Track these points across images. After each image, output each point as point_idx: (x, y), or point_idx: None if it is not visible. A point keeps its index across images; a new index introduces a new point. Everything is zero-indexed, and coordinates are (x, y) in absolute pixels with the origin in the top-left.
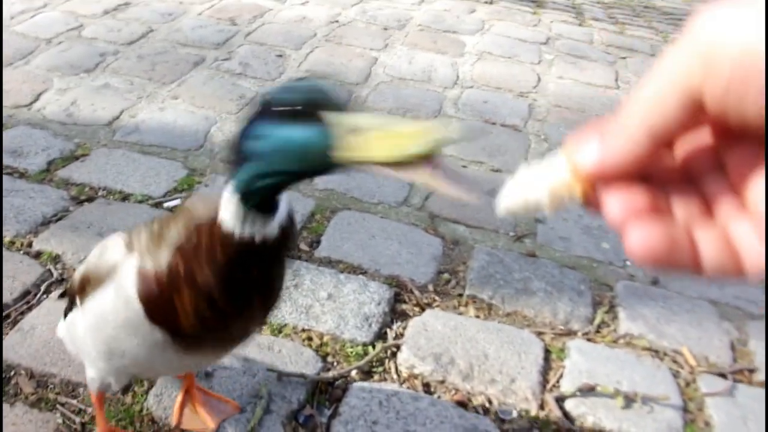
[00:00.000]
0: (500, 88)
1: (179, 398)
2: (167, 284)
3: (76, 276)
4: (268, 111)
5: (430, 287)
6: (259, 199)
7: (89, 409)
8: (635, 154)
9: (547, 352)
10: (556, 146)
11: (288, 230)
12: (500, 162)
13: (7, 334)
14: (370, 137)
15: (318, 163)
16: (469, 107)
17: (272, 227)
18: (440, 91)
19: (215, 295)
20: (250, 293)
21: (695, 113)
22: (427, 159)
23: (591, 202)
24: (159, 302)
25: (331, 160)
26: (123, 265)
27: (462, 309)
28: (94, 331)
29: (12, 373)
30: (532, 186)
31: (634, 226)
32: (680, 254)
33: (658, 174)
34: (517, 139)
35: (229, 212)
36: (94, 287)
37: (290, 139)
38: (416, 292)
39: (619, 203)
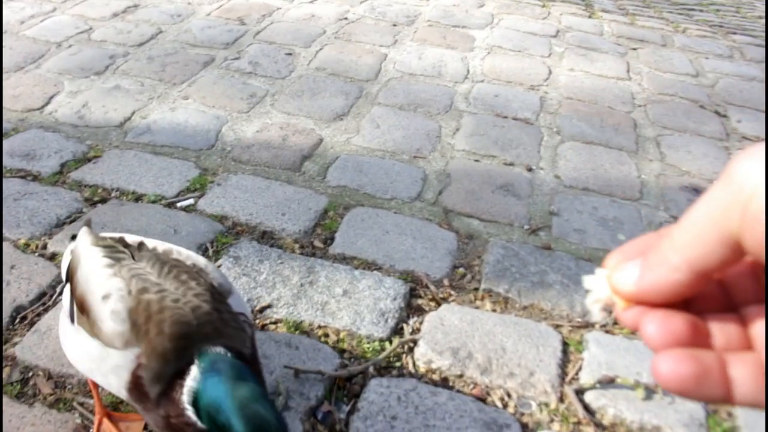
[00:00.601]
0: (511, 82)
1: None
2: (154, 415)
3: (77, 291)
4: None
5: (446, 282)
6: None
7: (107, 409)
8: (676, 285)
9: (565, 344)
10: (569, 139)
11: None
12: (513, 155)
13: (24, 335)
14: None
15: None
16: (480, 101)
17: None
18: (451, 86)
19: None
20: None
21: (736, 253)
22: None
23: (629, 321)
24: (144, 411)
25: None
26: (123, 351)
27: (478, 303)
28: (82, 360)
29: (30, 374)
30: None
31: (664, 355)
32: (709, 385)
33: (699, 299)
34: (529, 133)
35: (191, 414)
36: (91, 327)
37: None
38: (432, 287)
39: (656, 328)
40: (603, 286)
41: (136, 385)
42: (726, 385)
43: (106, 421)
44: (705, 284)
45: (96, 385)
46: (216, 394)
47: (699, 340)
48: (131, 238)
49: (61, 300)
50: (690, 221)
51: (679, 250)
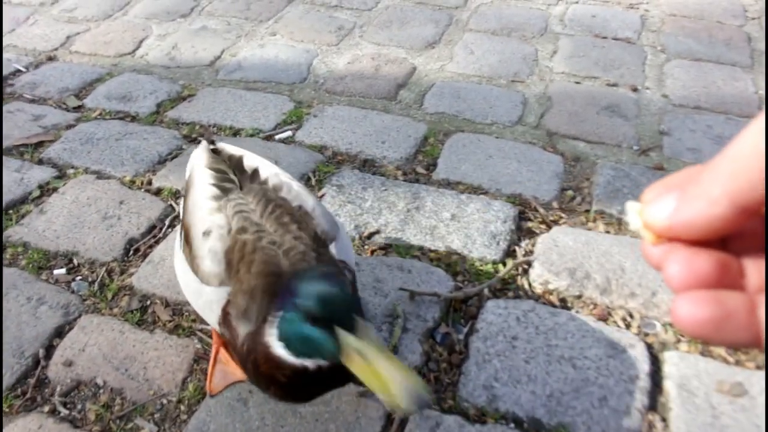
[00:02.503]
0: (608, 2)
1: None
2: (243, 357)
3: (184, 218)
4: (299, 308)
5: (555, 204)
6: (298, 352)
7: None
8: (714, 220)
9: None
10: (675, 57)
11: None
12: (616, 76)
13: (139, 266)
14: (366, 362)
15: (329, 358)
16: (576, 23)
17: (324, 362)
18: (544, 8)
19: (277, 395)
20: (311, 393)
21: None
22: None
23: (655, 259)
24: (234, 353)
25: (338, 361)
26: (217, 289)
27: (590, 225)
28: (184, 287)
29: (148, 302)
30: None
31: (683, 297)
32: (732, 330)
33: (739, 237)
34: (631, 53)
35: (282, 351)
36: (191, 257)
37: (309, 337)
38: (541, 210)
39: (680, 267)
40: (636, 220)
41: (225, 321)
42: (752, 329)
43: (222, 351)
44: (746, 220)
45: None
46: (293, 310)
47: (729, 281)
48: (249, 162)
49: (170, 231)
50: (734, 151)
51: (720, 182)
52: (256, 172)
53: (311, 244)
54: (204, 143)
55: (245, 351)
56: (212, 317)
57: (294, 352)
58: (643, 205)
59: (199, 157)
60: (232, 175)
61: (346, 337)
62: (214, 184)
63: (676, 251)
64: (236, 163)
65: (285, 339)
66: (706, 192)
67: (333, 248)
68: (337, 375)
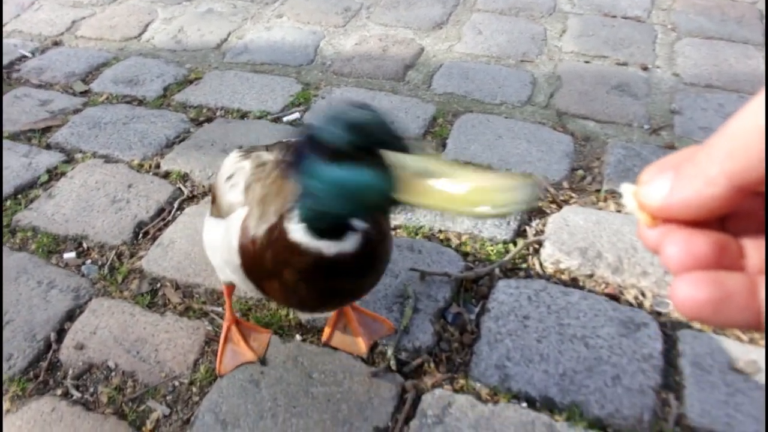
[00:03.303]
0: None
1: (332, 315)
2: (259, 259)
3: (214, 182)
4: (321, 147)
5: (565, 184)
6: (325, 229)
7: (237, 315)
8: (711, 200)
9: None
10: (686, 35)
11: (371, 238)
12: (626, 55)
13: (148, 249)
14: (436, 185)
15: (377, 204)
16: (585, 2)
17: (349, 242)
18: None
19: (301, 293)
20: (335, 290)
21: None
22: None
23: (651, 242)
24: (252, 267)
25: (390, 202)
26: (236, 212)
27: (601, 204)
28: (209, 248)
29: (158, 285)
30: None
31: (681, 279)
32: (731, 311)
33: (738, 217)
34: (641, 31)
35: (300, 234)
36: (217, 210)
37: (347, 182)
38: (551, 189)
39: (678, 249)
40: (631, 201)
41: (244, 234)
42: (753, 310)
43: (234, 328)
44: (744, 200)
45: (230, 292)
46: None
47: (728, 261)
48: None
49: (179, 214)
50: (732, 129)
51: (717, 161)
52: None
53: None
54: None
55: (258, 248)
56: (232, 251)
57: (317, 230)
58: (638, 186)
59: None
60: (259, 149)
61: (402, 159)
62: (240, 154)
63: (673, 233)
64: (263, 147)
65: (306, 215)
66: (702, 171)
67: None
68: (355, 269)
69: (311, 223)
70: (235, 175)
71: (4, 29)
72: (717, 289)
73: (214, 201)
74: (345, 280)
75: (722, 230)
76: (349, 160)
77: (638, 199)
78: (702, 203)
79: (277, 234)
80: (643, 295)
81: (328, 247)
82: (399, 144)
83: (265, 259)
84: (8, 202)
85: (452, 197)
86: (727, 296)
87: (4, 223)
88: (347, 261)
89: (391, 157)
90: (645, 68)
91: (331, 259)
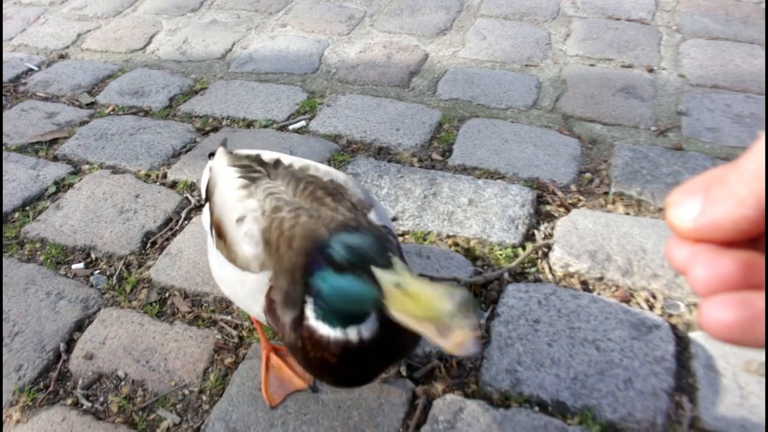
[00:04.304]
0: None
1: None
2: (297, 349)
3: (213, 215)
4: (330, 261)
5: (573, 187)
6: (339, 322)
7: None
8: (742, 222)
9: None
10: (691, 36)
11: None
12: (631, 57)
13: (156, 259)
14: (408, 295)
15: (371, 307)
16: (588, 5)
17: (367, 328)
18: None
19: (332, 380)
20: (363, 372)
21: None
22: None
23: (678, 262)
24: (294, 354)
25: (381, 307)
26: (258, 275)
27: (610, 207)
28: (223, 283)
29: (167, 294)
30: None
31: (710, 302)
32: (760, 331)
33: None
34: (646, 33)
35: (326, 329)
36: (227, 251)
37: (347, 290)
38: (559, 193)
39: (705, 271)
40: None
41: (270, 310)
42: None
43: (273, 356)
44: None
45: (260, 322)
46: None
47: (756, 280)
48: (268, 156)
49: (187, 224)
50: (759, 149)
51: (747, 182)
52: (278, 161)
53: (350, 215)
54: (220, 148)
55: (294, 341)
56: (256, 308)
57: (334, 323)
58: (668, 207)
59: (218, 161)
60: (256, 167)
61: (382, 275)
62: (240, 176)
63: (700, 254)
64: (256, 159)
65: (323, 313)
66: (732, 193)
67: (372, 215)
68: (384, 345)
69: (328, 319)
70: (246, 220)
71: (11, 43)
72: (745, 310)
73: (220, 235)
74: (383, 354)
75: (752, 249)
76: (350, 272)
77: (668, 221)
78: (732, 225)
79: (305, 331)
80: (654, 297)
81: (352, 333)
82: (387, 263)
83: (298, 349)
84: (16, 214)
85: (417, 312)
86: (757, 316)
87: (12, 235)
88: (373, 339)
89: (377, 273)
90: (650, 70)
91: (357, 343)
